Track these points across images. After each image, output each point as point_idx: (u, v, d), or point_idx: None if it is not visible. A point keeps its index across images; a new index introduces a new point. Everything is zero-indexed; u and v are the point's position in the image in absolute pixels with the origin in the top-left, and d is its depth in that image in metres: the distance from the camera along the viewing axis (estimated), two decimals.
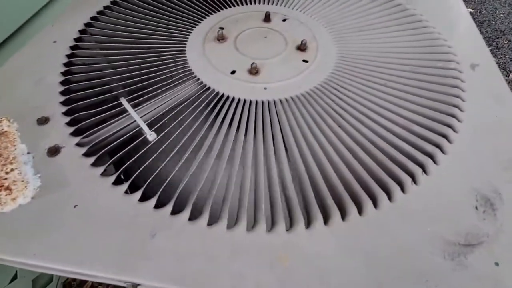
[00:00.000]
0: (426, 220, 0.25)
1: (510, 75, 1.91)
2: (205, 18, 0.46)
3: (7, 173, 0.27)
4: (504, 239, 0.24)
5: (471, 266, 0.23)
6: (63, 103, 0.33)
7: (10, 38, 0.50)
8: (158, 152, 0.29)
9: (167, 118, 0.33)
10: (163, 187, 0.26)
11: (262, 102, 0.34)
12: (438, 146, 0.30)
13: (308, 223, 0.25)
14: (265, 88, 0.35)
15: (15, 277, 0.76)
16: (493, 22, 2.25)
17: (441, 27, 0.42)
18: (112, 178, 0.27)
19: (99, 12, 0.45)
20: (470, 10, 2.29)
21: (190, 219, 0.24)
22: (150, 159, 0.28)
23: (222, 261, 0.22)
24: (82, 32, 0.42)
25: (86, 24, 0.43)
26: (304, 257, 0.23)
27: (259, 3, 0.48)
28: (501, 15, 2.32)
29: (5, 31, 0.49)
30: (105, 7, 0.45)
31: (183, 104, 0.34)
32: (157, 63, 0.38)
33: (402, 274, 0.22)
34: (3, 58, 0.54)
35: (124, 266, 0.22)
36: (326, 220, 0.25)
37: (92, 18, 0.44)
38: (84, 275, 0.22)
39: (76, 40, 0.40)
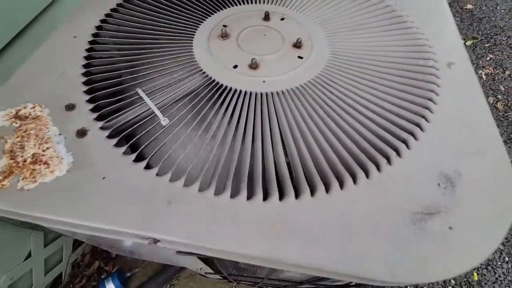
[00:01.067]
0: (397, 194, 0.30)
1: (506, 71, 1.94)
2: (209, 16, 0.50)
3: (43, 150, 0.32)
4: (459, 210, 0.29)
5: (430, 229, 0.28)
6: (86, 92, 0.37)
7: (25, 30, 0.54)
8: (171, 135, 0.34)
9: (177, 106, 0.38)
10: (175, 165, 0.31)
11: (261, 94, 0.39)
12: (411, 133, 0.34)
13: (297, 195, 0.30)
14: (264, 81, 0.40)
15: (29, 256, 0.82)
16: (493, 19, 2.26)
17: (425, 28, 0.47)
18: (132, 156, 0.32)
19: (113, 10, 0.49)
20: (470, 6, 2.30)
21: (199, 190, 0.29)
22: (164, 142, 0.33)
23: (226, 223, 0.27)
24: (98, 28, 0.46)
25: (102, 21, 0.47)
26: (293, 223, 0.28)
27: (260, 3, 0.52)
28: (502, 11, 2.33)
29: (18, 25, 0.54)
30: (118, 5, 0.50)
31: (192, 94, 0.38)
32: (167, 57, 0.43)
33: (373, 236, 0.27)
34: (21, 48, 0.58)
35: (146, 225, 0.27)
36: (312, 193, 0.30)
37: (107, 15, 0.48)
38: (114, 232, 0.27)
39: (93, 35, 0.45)
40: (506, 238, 1.30)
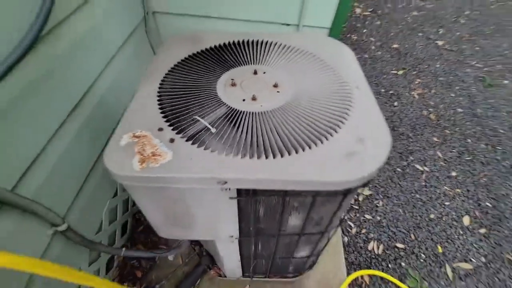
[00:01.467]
0: (331, 150, 0.62)
1: (432, 90, 2.48)
2: (222, 74, 0.84)
3: (156, 150, 0.61)
4: (365, 147, 0.62)
5: (352, 156, 0.60)
6: (166, 121, 0.68)
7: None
8: (216, 135, 0.65)
9: (217, 123, 0.69)
10: (221, 145, 0.61)
11: (260, 112, 0.72)
12: (333, 128, 0.68)
13: (274, 156, 0.61)
14: (261, 106, 0.73)
15: (99, 230, 1.02)
16: (414, 53, 2.89)
17: (339, 66, 0.84)
18: (200, 146, 0.62)
19: (164, 77, 0.82)
20: (396, 45, 2.95)
21: (233, 156, 0.60)
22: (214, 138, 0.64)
23: (252, 170, 0.58)
24: (160, 87, 0.78)
25: (160, 83, 0.79)
26: (276, 164, 0.59)
27: (250, 64, 0.88)
28: (420, 47, 2.99)
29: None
30: (166, 74, 0.83)
31: (223, 116, 0.70)
32: (204, 98, 0.75)
33: (305, 183, 0.59)
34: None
35: (217, 171, 0.56)
36: (282, 155, 0.61)
37: (162, 80, 0.81)
38: (200, 179, 0.56)
39: (158, 92, 0.77)
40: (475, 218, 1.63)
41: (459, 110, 2.29)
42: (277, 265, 1.10)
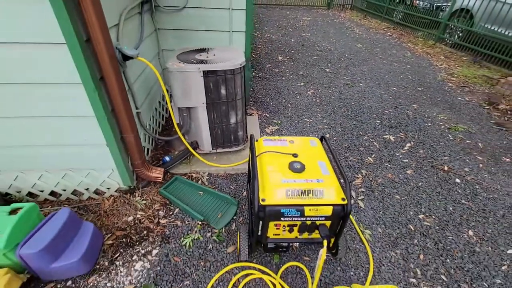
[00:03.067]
0: (232, 59, 2.19)
1: (319, 90, 4.26)
2: (199, 53, 2.42)
3: (177, 63, 2.12)
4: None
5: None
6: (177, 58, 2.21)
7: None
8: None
9: (195, 62, 2.24)
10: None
11: (211, 56, 2.29)
12: (234, 55, 2.26)
13: (211, 63, 2.16)
14: (214, 55, 2.30)
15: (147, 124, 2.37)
16: (312, 75, 4.78)
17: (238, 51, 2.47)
18: (191, 64, 2.15)
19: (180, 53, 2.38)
20: (302, 72, 4.85)
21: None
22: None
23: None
24: (177, 55, 2.33)
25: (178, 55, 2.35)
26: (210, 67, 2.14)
27: (208, 52, 2.48)
28: (315, 72, 4.91)
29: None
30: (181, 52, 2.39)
31: (196, 59, 2.26)
32: (196, 52, 2.31)
33: (220, 70, 2.15)
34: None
35: (197, 67, 2.09)
36: (216, 64, 2.16)
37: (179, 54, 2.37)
38: (189, 71, 2.09)
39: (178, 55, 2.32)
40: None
41: (333, 97, 4.05)
42: (225, 136, 2.51)
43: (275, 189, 1.51)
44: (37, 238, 1.56)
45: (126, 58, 1.83)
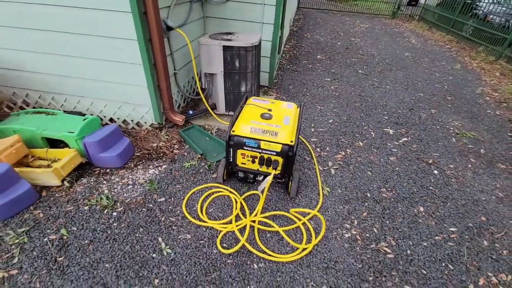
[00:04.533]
0: (248, 38, 2.83)
1: (342, 87, 4.61)
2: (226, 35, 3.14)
3: (208, 40, 2.86)
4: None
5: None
6: (209, 37, 2.94)
7: None
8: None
9: (222, 37, 2.95)
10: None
11: (235, 38, 2.97)
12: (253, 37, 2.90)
13: (232, 40, 2.83)
14: (237, 37, 2.99)
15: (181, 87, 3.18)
16: (342, 74, 5.11)
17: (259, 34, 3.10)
18: (216, 40, 2.86)
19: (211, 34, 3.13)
20: (333, 70, 5.23)
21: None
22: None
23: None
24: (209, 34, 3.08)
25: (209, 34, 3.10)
26: (232, 43, 2.81)
27: (233, 34, 3.18)
28: (347, 72, 5.22)
29: None
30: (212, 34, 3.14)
31: (225, 36, 2.97)
32: (222, 33, 3.03)
33: (239, 46, 2.80)
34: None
35: (220, 42, 2.80)
36: (236, 40, 2.83)
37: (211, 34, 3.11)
38: (214, 44, 2.80)
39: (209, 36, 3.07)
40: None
41: (353, 93, 4.37)
42: (236, 102, 3.17)
43: (243, 125, 2.12)
44: (95, 135, 2.45)
45: (169, 28, 2.64)
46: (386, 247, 2.00)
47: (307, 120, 3.52)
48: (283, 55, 5.77)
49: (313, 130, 3.33)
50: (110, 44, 2.48)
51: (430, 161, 2.91)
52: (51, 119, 2.62)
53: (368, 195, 2.46)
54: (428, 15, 10.25)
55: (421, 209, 2.34)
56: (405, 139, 3.28)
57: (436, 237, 2.10)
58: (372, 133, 3.35)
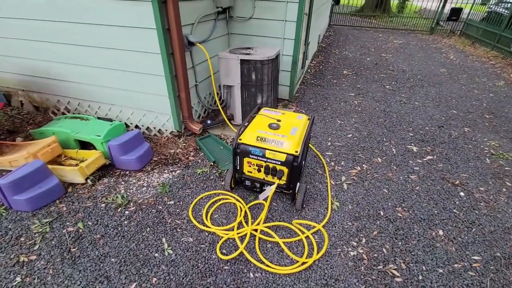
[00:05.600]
0: (266, 52, 2.93)
1: (366, 102, 4.47)
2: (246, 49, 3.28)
3: (227, 54, 3.01)
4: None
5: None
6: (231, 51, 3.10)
7: None
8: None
9: (242, 52, 3.08)
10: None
11: (254, 51, 3.09)
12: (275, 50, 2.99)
13: (250, 54, 2.94)
14: (255, 51, 3.11)
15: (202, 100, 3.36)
16: (368, 89, 5.00)
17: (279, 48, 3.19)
18: (235, 54, 3.00)
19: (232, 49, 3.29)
20: (358, 86, 5.12)
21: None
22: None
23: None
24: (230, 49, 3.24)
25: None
26: (249, 57, 2.92)
27: (252, 49, 3.31)
28: (373, 87, 5.09)
29: None
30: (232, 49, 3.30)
31: (244, 50, 3.10)
32: (242, 48, 3.17)
33: (255, 59, 2.90)
34: None
35: (237, 56, 2.93)
36: (253, 53, 2.94)
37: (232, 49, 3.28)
38: (233, 58, 2.93)
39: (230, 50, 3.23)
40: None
41: (377, 109, 4.22)
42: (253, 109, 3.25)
43: (250, 134, 2.17)
44: (119, 139, 2.66)
45: (190, 43, 2.83)
46: (394, 269, 1.86)
47: (324, 134, 3.46)
48: (308, 70, 5.80)
49: (329, 144, 3.26)
50: (137, 58, 2.72)
51: (457, 182, 2.68)
52: (84, 123, 2.91)
53: (381, 213, 2.32)
54: (471, 30, 9.65)
55: (441, 232, 2.15)
56: (430, 157, 3.06)
57: (455, 265, 1.91)
58: (393, 149, 3.19)
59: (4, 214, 2.17)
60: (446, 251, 2.00)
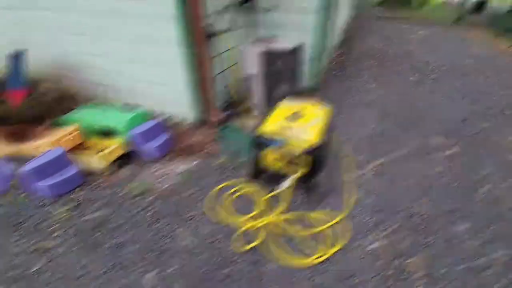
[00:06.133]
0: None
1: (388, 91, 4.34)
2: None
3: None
4: None
5: None
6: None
7: None
8: None
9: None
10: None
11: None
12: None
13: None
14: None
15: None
16: (389, 80, 4.84)
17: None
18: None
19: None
20: (380, 78, 4.97)
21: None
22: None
23: None
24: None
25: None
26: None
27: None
28: (394, 78, 4.92)
29: None
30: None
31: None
32: (264, 39, 3.14)
33: (278, 51, 2.87)
34: None
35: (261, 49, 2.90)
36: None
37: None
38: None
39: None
40: None
41: (399, 101, 4.09)
42: (272, 102, 3.23)
43: (270, 125, 2.17)
44: (140, 128, 2.73)
45: (212, 33, 2.84)
46: (413, 265, 1.84)
47: (345, 125, 3.41)
48: (330, 61, 5.68)
49: (350, 136, 3.21)
50: (161, 51, 2.76)
51: (484, 174, 2.59)
52: (107, 112, 2.99)
53: (402, 206, 2.28)
54: (496, 23, 9.09)
55: (462, 227, 2.10)
56: (453, 151, 2.96)
57: (477, 261, 1.86)
58: (415, 142, 3.11)
59: (26, 201, 2.27)
60: (468, 246, 1.96)
